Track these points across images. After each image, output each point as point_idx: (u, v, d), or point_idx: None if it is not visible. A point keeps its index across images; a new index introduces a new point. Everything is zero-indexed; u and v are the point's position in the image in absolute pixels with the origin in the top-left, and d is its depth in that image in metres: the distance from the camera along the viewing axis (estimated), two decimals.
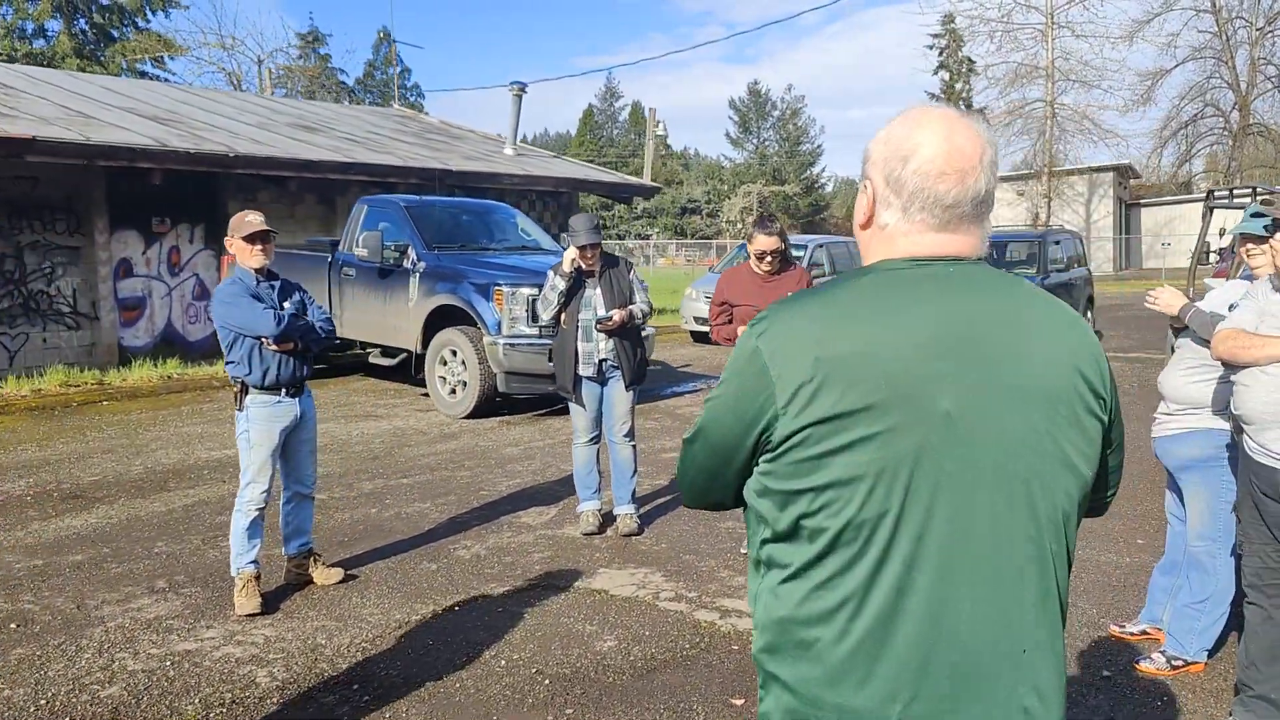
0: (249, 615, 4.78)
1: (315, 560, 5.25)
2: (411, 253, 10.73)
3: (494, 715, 3.82)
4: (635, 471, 6.16)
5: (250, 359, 4.87)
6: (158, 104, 17.22)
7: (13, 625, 4.69)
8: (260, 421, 4.91)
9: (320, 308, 5.22)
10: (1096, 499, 1.63)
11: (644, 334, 6.90)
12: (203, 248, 15.08)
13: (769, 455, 1.44)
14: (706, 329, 17.39)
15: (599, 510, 6.17)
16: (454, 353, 10.19)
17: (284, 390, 4.95)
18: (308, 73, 57.64)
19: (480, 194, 18.22)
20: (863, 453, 1.36)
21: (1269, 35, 39.74)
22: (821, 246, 18.60)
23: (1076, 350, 1.48)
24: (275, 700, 3.94)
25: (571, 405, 6.11)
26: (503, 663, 4.28)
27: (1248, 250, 4.01)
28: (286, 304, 5.01)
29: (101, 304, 13.95)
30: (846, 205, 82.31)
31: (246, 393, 4.92)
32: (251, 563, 4.90)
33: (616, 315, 5.84)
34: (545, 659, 4.32)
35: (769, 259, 5.46)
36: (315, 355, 5.12)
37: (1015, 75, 39.40)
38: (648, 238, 65.13)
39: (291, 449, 5.11)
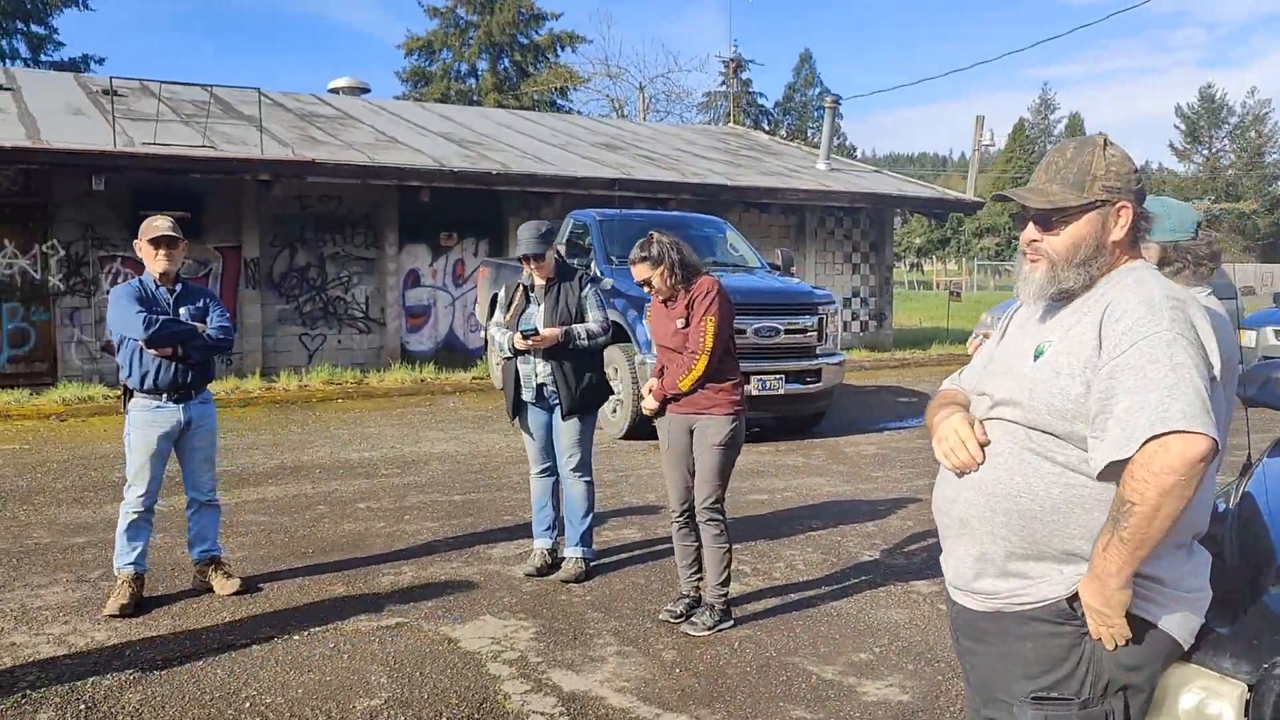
0: (110, 616, 4.83)
1: (216, 568, 5.22)
2: (594, 267, 10.58)
3: None
4: (588, 511, 5.49)
5: (131, 362, 4.95)
6: (476, 128, 18.63)
7: None
8: (139, 426, 4.96)
9: (224, 315, 5.18)
10: None
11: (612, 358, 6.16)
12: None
13: None
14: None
15: (548, 550, 5.57)
16: (615, 370, 9.88)
17: (165, 395, 4.97)
18: (734, 99, 59.86)
19: (763, 209, 17.72)
20: None
21: None
22: None
23: None
24: None
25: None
26: (245, 702, 3.94)
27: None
28: (183, 309, 5.03)
29: (389, 311, 15.31)
30: None
31: (130, 396, 5.00)
32: (130, 564, 4.96)
33: (545, 332, 5.24)
34: (288, 707, 3.91)
35: (653, 291, 4.67)
36: (200, 362, 5.07)
37: None
38: None
39: (183, 456, 5.12)
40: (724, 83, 65.55)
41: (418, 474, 8.21)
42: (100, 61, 36.17)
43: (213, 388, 12.81)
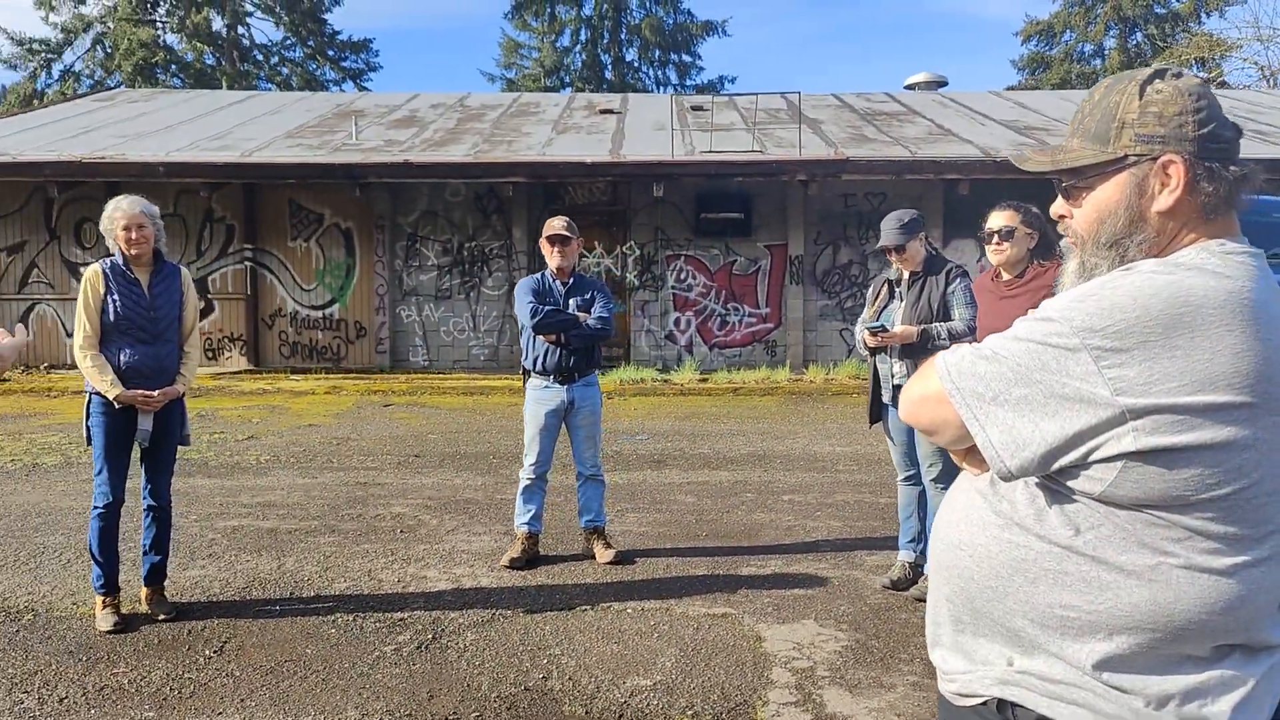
0: (503, 566, 5.54)
1: (599, 537, 5.69)
2: None
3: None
4: None
5: (526, 346, 5.60)
6: (1050, 114, 17.34)
7: (399, 529, 6.32)
8: (531, 403, 5.59)
9: (606, 306, 5.60)
10: None
11: None
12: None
13: None
14: None
15: (910, 563, 5.15)
16: None
17: (551, 377, 5.54)
18: None
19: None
20: None
21: None
22: None
23: None
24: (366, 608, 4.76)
25: None
26: (544, 658, 4.32)
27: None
28: (572, 300, 5.57)
29: None
30: None
31: (527, 376, 5.65)
32: (524, 524, 5.62)
33: (896, 329, 4.83)
34: (572, 670, 4.22)
35: (997, 240, 4.11)
36: (583, 349, 5.53)
37: None
38: None
39: (570, 433, 5.65)
40: None
41: (869, 473, 8.05)
42: (732, 80, 40.25)
43: (745, 376, 13.72)
